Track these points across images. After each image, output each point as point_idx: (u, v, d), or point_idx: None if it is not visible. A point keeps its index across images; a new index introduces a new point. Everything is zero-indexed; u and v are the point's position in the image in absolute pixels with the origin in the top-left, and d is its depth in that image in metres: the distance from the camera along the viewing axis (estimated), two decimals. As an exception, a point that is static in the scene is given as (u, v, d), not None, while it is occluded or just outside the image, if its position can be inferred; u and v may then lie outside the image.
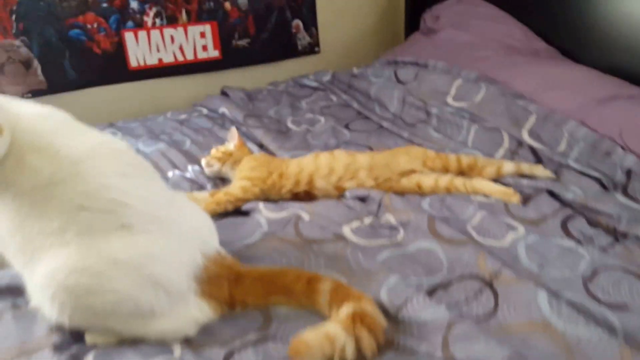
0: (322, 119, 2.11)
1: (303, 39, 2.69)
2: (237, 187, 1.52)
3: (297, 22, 2.65)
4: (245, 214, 1.46)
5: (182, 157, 1.81)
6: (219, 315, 1.07)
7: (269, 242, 1.28)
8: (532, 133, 1.70)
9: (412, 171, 1.56)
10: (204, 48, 2.41)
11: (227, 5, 2.42)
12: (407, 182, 1.53)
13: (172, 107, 2.33)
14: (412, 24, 2.75)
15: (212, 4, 2.38)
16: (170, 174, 1.71)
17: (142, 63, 2.28)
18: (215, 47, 2.44)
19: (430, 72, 2.09)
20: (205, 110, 2.23)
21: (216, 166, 1.67)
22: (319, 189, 1.53)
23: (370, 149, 1.84)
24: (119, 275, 0.95)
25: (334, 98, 2.31)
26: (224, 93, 2.39)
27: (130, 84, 2.32)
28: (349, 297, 1.02)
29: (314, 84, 2.44)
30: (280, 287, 1.09)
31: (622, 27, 1.95)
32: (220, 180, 1.70)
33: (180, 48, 2.36)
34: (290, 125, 2.08)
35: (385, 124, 2.02)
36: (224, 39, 2.45)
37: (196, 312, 1.04)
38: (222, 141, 1.92)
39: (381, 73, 2.24)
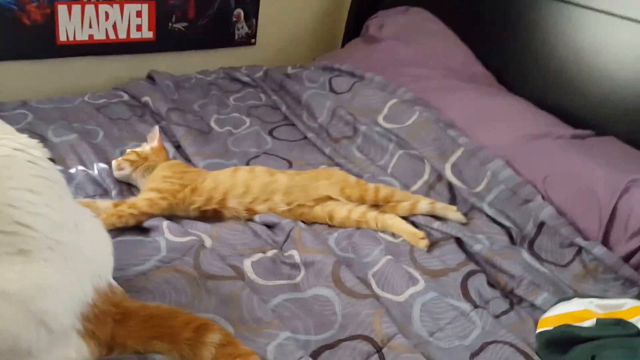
0: (248, 121, 1.98)
1: (242, 29, 2.52)
2: (144, 199, 1.38)
3: (239, 11, 2.48)
4: (145, 230, 1.33)
5: (92, 152, 1.64)
6: (96, 358, 0.94)
7: (163, 273, 1.17)
8: (454, 168, 1.62)
9: (329, 198, 1.46)
10: (138, 28, 2.22)
11: (170, -15, 2.22)
12: (320, 211, 1.45)
13: (95, 88, 2.13)
14: (354, 29, 2.61)
15: (154, -19, 2.18)
16: (73, 170, 1.55)
17: (71, 38, 2.07)
18: (150, 28, 2.25)
19: (366, 85, 1.97)
20: (126, 96, 2.05)
21: (127, 170, 1.52)
22: (230, 210, 1.42)
23: (290, 164, 1.73)
24: (3, 309, 0.82)
25: (264, 97, 2.17)
26: (150, 77, 2.20)
27: (56, 60, 2.10)
28: (236, 355, 0.93)
29: (246, 79, 2.29)
30: (166, 333, 0.98)
31: (557, 63, 1.93)
32: (127, 186, 1.55)
33: (114, 26, 2.16)
34: (213, 124, 1.93)
35: (310, 135, 1.90)
36: (160, 21, 2.26)
37: (74, 354, 0.92)
38: (138, 136, 1.76)
39: (316, 78, 2.10)
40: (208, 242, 1.28)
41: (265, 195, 1.43)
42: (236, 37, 2.54)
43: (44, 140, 1.67)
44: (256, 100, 2.15)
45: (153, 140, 1.57)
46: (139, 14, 2.19)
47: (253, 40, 2.59)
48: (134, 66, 2.26)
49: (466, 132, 1.69)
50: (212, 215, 1.41)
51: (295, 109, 2.04)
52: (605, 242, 1.41)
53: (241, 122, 1.96)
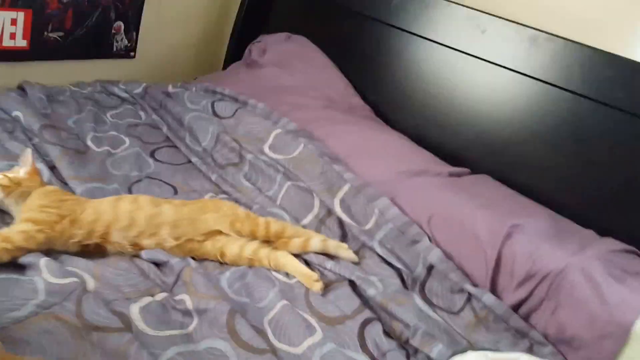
0: (127, 141, 1.90)
1: (121, 41, 2.42)
2: (19, 231, 1.27)
3: (120, 24, 2.38)
4: (20, 267, 1.23)
5: None
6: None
7: (43, 321, 1.07)
8: (343, 204, 1.63)
9: (218, 232, 1.44)
10: (12, 36, 2.05)
11: (48, -6, 2.07)
12: (210, 247, 1.42)
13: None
14: (237, 50, 2.61)
15: (32, -10, 2.02)
16: None
17: None
18: (24, 37, 2.09)
19: (249, 112, 1.96)
20: None
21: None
22: (114, 244, 1.35)
23: (175, 190, 1.68)
24: None
25: (143, 115, 2.10)
26: (21, 88, 2.04)
27: None
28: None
29: (124, 95, 2.20)
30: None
31: (432, 101, 2.05)
32: None
33: (-14, 33, 1.98)
34: (90, 143, 1.83)
35: (194, 159, 1.87)
36: (35, 29, 2.11)
37: None
38: (9, 155, 1.62)
39: (198, 100, 2.07)
40: (91, 284, 1.20)
41: (151, 229, 1.38)
42: (115, 49, 2.43)
43: None
44: (135, 118, 2.07)
45: (26, 165, 1.45)
46: (13, 22, 2.04)
47: (132, 54, 2.50)
48: (4, 75, 2.09)
49: (349, 166, 1.73)
50: (94, 250, 1.34)
51: (178, 131, 2.00)
52: (493, 289, 1.42)
53: (120, 142, 1.88)
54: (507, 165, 1.83)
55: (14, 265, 1.22)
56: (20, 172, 1.44)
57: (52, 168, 1.63)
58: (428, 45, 2.04)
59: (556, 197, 1.72)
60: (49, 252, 1.29)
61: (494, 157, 1.87)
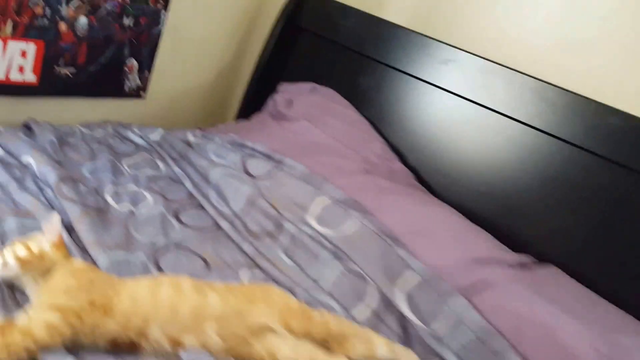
0: (149, 197, 1.67)
1: (133, 81, 2.20)
2: (42, 324, 1.03)
3: (133, 62, 2.17)
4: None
5: None
6: None
7: None
8: (408, 297, 1.40)
9: (268, 328, 1.20)
10: (21, 69, 1.82)
11: (63, 26, 1.86)
12: (261, 349, 1.17)
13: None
14: (254, 97, 2.42)
15: (46, 20, 1.79)
16: None
17: None
18: (34, 71, 1.86)
19: (287, 173, 1.75)
20: (0, 151, 1.62)
21: (13, 270, 1.14)
22: (151, 343, 1.11)
23: (206, 263, 1.45)
24: None
25: (162, 166, 1.87)
26: (27, 127, 1.80)
27: None
28: None
29: (139, 141, 1.97)
30: None
31: (479, 170, 1.92)
32: (9, 289, 1.17)
33: (-9, 63, 1.73)
34: (109, 199, 1.60)
35: (223, 223, 1.64)
36: (46, 63, 1.89)
37: None
38: (20, 210, 1.39)
39: (225, 154, 1.86)
40: None
41: (195, 324, 1.14)
42: (126, 88, 2.21)
43: None
44: (154, 169, 1.84)
45: (51, 234, 1.21)
46: (24, 54, 1.81)
47: (142, 93, 2.28)
48: (9, 112, 1.85)
49: (408, 248, 1.53)
50: (126, 348, 1.10)
51: (202, 187, 1.77)
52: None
53: (141, 198, 1.65)
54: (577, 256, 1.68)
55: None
56: (44, 241, 1.20)
57: (69, 229, 1.39)
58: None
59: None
60: (73, 348, 1.05)
61: (559, 244, 1.72)
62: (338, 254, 1.52)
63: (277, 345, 1.18)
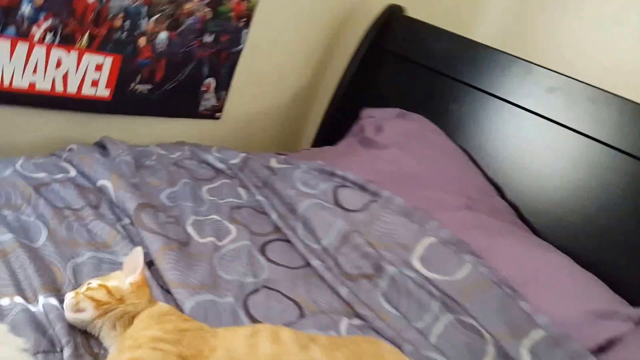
0: (233, 230, 1.48)
1: (208, 100, 2.04)
2: None
3: (211, 81, 2.01)
4: None
5: (32, 267, 1.07)
6: None
7: None
8: (534, 357, 1.18)
9: None
10: (94, 83, 1.68)
11: (142, 41, 1.71)
12: None
13: (28, 150, 1.54)
14: (331, 125, 2.26)
15: (124, 34, 1.65)
16: (6, 302, 0.97)
17: (6, 83, 1.48)
18: (108, 86, 1.72)
19: (384, 207, 1.53)
20: (73, 172, 1.49)
21: (89, 314, 0.97)
22: None
23: (299, 308, 1.26)
24: None
25: (244, 194, 1.69)
26: (101, 145, 1.65)
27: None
28: None
29: (219, 165, 1.80)
30: None
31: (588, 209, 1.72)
32: (84, 336, 0.99)
33: (65, 76, 1.60)
34: (191, 230, 1.42)
35: (314, 262, 1.43)
36: (122, 78, 1.74)
37: None
38: (95, 241, 1.22)
39: (314, 183, 1.66)
40: None
41: None
42: (201, 108, 2.05)
43: None
44: (236, 197, 1.66)
45: (133, 271, 1.03)
46: (99, 67, 1.67)
47: (218, 114, 2.12)
48: (80, 129, 1.71)
49: (529, 299, 1.30)
50: None
51: (288, 219, 1.58)
52: None
53: (225, 231, 1.46)
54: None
55: None
56: (125, 280, 1.02)
57: (149, 265, 1.21)
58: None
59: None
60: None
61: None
62: (447, 302, 1.30)
63: None
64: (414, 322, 1.28)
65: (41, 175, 1.41)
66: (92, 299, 0.98)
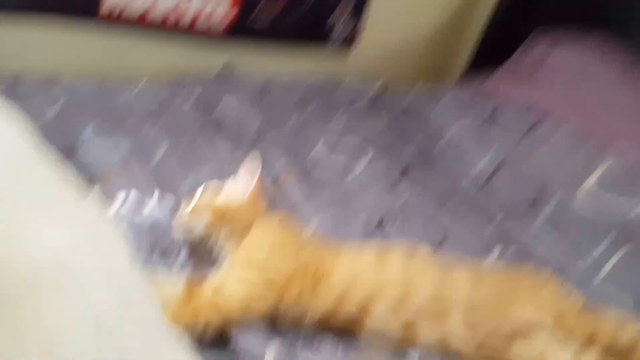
0: (370, 151, 1.36)
1: (342, 28, 1.89)
2: (230, 296, 0.79)
3: (342, 8, 1.83)
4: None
5: (150, 176, 1.06)
6: None
7: None
8: None
9: (536, 327, 0.83)
10: (215, 12, 1.59)
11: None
12: (524, 354, 0.81)
13: (147, 78, 1.52)
14: (490, 49, 1.97)
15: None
16: (120, 199, 0.97)
17: (122, 5, 1.46)
18: (230, 11, 1.63)
19: (550, 132, 1.35)
20: (193, 98, 1.47)
21: (201, 229, 0.91)
22: (374, 326, 0.81)
23: (443, 233, 1.09)
24: None
25: (382, 124, 1.58)
26: (223, 75, 1.60)
27: (98, 30, 1.51)
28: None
29: (353, 95, 1.68)
30: None
31: None
32: (198, 249, 0.93)
33: (185, 5, 1.55)
34: (320, 151, 1.32)
35: (465, 188, 1.30)
36: (246, 5, 1.66)
37: None
38: (217, 158, 1.12)
39: (465, 110, 1.50)
40: None
41: (435, 311, 0.83)
42: (332, 37, 1.90)
43: (75, 144, 1.12)
44: (372, 126, 1.56)
45: (247, 181, 0.96)
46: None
47: (351, 44, 1.96)
48: (202, 57, 1.68)
49: None
50: (338, 330, 0.82)
51: (436, 146, 1.44)
52: None
53: (360, 153, 1.36)
54: None
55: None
56: (238, 192, 0.92)
57: (273, 181, 1.15)
58: None
59: None
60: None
61: None
62: (623, 231, 1.12)
63: (549, 351, 0.82)
64: (583, 253, 1.12)
65: (159, 99, 1.41)
66: (206, 212, 0.92)
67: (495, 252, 1.09)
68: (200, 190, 0.97)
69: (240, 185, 0.97)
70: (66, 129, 1.15)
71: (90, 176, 1.02)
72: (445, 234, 1.13)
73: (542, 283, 0.94)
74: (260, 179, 0.98)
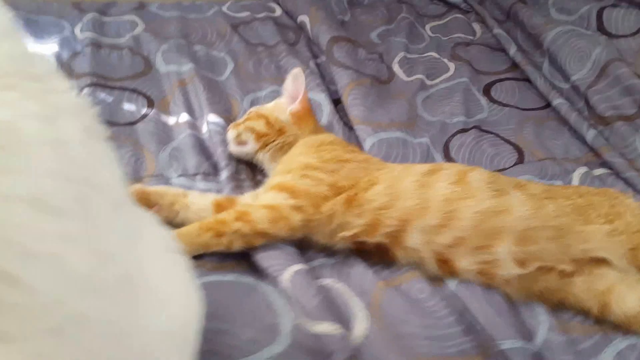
0: (452, 68, 1.27)
1: None
2: (265, 206, 0.77)
3: None
4: (258, 271, 0.74)
5: (209, 95, 1.05)
6: None
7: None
8: None
9: (602, 261, 0.72)
10: None
11: None
12: (583, 287, 0.71)
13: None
14: None
15: None
16: (172, 121, 1.01)
17: None
18: None
19: None
20: (278, 11, 1.43)
21: (250, 146, 0.92)
22: (408, 251, 0.76)
23: (519, 153, 1.00)
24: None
25: (479, 29, 1.46)
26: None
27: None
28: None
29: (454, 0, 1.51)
30: None
31: None
32: (247, 165, 0.95)
33: None
34: (397, 68, 1.26)
35: (557, 102, 1.16)
36: None
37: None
38: (282, 77, 1.10)
39: (573, 7, 1.30)
40: (361, 333, 0.66)
41: (481, 238, 0.74)
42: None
43: (147, 67, 1.15)
44: (468, 33, 1.45)
45: (293, 95, 0.92)
46: None
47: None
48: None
49: None
50: (375, 252, 0.77)
51: (532, 55, 1.31)
52: None
53: (442, 68, 1.28)
54: None
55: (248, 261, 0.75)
56: (283, 109, 0.90)
57: (337, 102, 1.08)
58: None
59: None
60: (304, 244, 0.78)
61: None
62: None
63: (616, 290, 0.71)
64: None
65: (244, 14, 1.41)
66: (253, 130, 0.92)
67: (578, 174, 0.95)
68: (247, 112, 0.97)
69: (285, 99, 0.94)
70: (137, 54, 1.17)
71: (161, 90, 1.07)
72: (521, 156, 1.00)
73: (625, 207, 0.78)
74: (307, 97, 0.92)
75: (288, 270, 0.70)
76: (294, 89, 0.93)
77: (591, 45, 1.16)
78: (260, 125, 0.91)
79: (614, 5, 1.24)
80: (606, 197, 0.81)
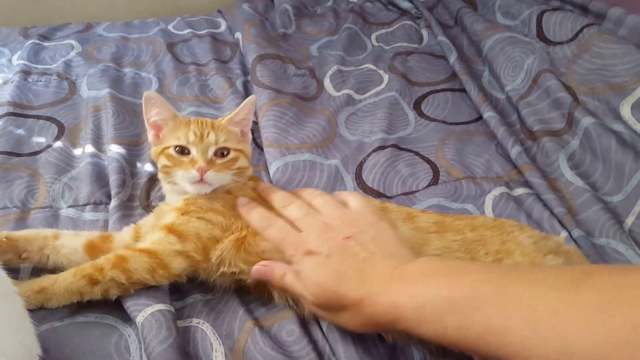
0: (385, 80, 1.22)
1: None
2: (145, 250, 0.71)
3: None
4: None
5: (115, 119, 1.03)
6: None
7: None
8: None
9: None
10: None
11: None
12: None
13: (202, 9, 1.50)
14: None
15: None
16: (78, 152, 0.98)
17: None
18: None
19: (604, 32, 1.04)
20: (223, 26, 1.42)
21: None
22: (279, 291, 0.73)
23: (434, 172, 0.99)
24: None
25: (426, 36, 1.39)
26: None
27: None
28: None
29: (406, 5, 1.51)
30: None
31: None
32: (145, 187, 0.92)
33: None
34: (327, 83, 1.22)
35: (487, 115, 1.09)
36: None
37: None
38: (210, 93, 1.10)
39: (517, 11, 1.25)
40: None
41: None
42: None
43: (71, 93, 1.14)
44: (413, 41, 1.38)
45: (242, 123, 0.84)
46: None
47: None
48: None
49: None
50: (252, 288, 0.74)
51: (475, 63, 1.25)
52: None
53: (375, 81, 1.22)
54: None
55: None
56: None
57: (255, 124, 1.07)
58: None
59: None
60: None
61: None
62: None
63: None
64: (612, 195, 0.88)
65: (185, 32, 1.38)
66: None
67: (492, 196, 0.90)
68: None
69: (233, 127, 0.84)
70: (66, 79, 1.16)
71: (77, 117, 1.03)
72: (436, 176, 0.96)
73: (514, 230, 0.75)
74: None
75: (146, 311, 0.66)
76: (244, 118, 0.83)
77: (524, 54, 1.11)
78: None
79: (554, 9, 1.16)
80: (499, 232, 0.75)
